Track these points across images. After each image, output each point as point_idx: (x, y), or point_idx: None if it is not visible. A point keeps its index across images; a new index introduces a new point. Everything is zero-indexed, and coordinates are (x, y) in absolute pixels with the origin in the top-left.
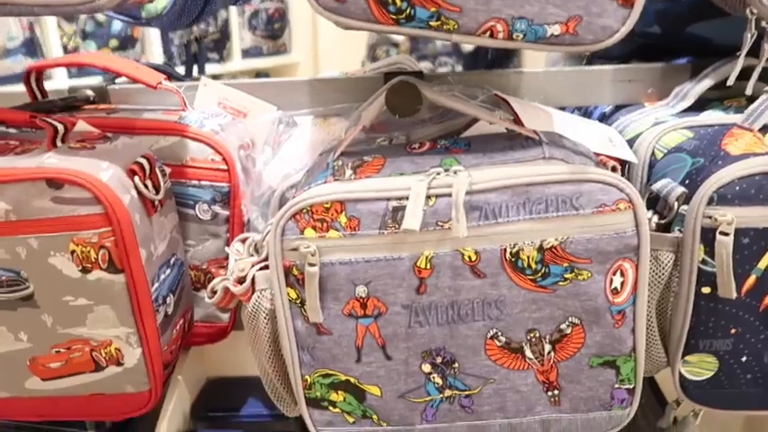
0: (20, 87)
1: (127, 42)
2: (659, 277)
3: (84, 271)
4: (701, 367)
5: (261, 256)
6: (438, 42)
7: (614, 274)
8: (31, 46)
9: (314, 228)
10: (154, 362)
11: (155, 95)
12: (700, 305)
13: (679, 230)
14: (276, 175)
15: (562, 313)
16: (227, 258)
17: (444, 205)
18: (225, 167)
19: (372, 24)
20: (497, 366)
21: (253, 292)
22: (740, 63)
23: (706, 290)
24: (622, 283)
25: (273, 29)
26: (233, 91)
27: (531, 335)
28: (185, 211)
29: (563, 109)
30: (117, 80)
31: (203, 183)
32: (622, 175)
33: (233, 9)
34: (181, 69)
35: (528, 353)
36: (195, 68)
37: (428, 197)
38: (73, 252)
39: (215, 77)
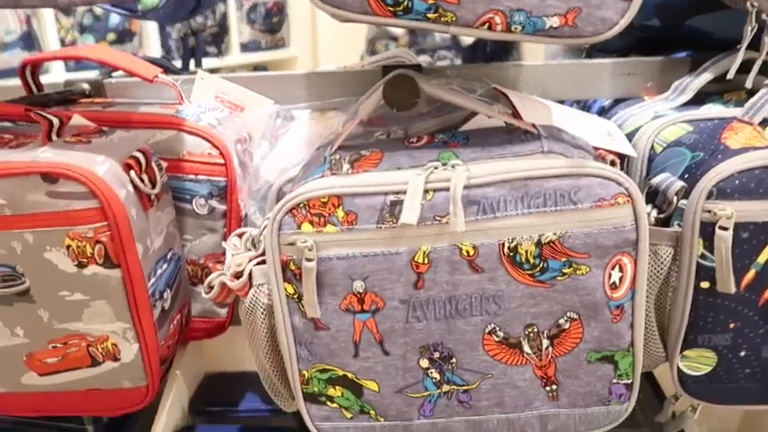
0: (17, 81)
1: (125, 36)
2: (658, 272)
3: (80, 266)
4: (700, 362)
5: (258, 250)
6: (437, 36)
7: (613, 268)
8: (29, 39)
9: (311, 222)
10: (151, 357)
11: (151, 89)
12: (698, 300)
13: (678, 225)
14: (273, 170)
15: (560, 308)
16: (224, 253)
17: (442, 199)
18: (222, 162)
19: (370, 17)
20: (495, 361)
21: (250, 288)
22: (740, 56)
23: (705, 284)
24: (621, 278)
25: (272, 23)
26: (230, 85)
27: (530, 330)
28: (182, 205)
29: (562, 102)
30: (113, 74)
31: (200, 177)
32: (621, 170)
33: (231, 2)
34: (179, 63)
35: (526, 348)
36: (192, 62)
37: (426, 191)
38: (68, 247)
39: (213, 71)
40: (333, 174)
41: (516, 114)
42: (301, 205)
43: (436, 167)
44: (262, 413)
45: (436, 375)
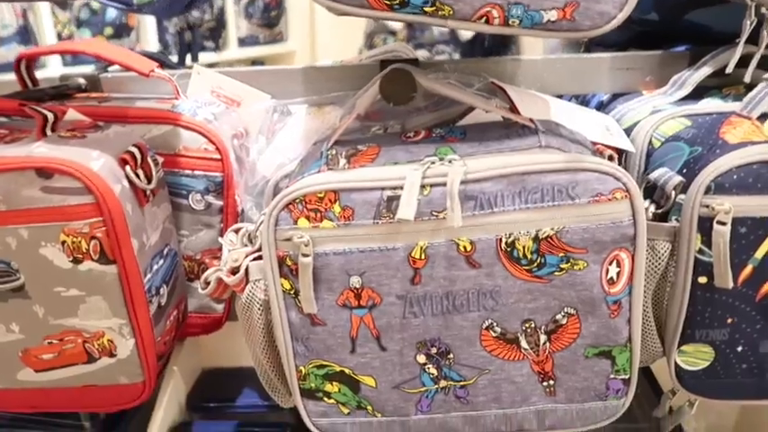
0: (13, 76)
1: (122, 30)
2: (656, 267)
3: (76, 261)
4: (697, 357)
5: (254, 246)
6: (435, 30)
7: (610, 263)
8: (25, 34)
9: (307, 218)
10: (147, 353)
11: (147, 84)
12: (696, 295)
13: (676, 220)
14: (270, 165)
15: (558, 303)
16: (220, 249)
17: (439, 195)
18: (218, 157)
19: (366, 10)
20: (492, 357)
21: (246, 283)
22: (739, 50)
23: (702, 279)
24: (618, 273)
25: (270, 17)
26: (226, 79)
27: (527, 325)
28: (178, 200)
29: (560, 97)
30: (110, 68)
31: (196, 172)
32: (619, 164)
33: None
34: (176, 58)
35: (523, 343)
36: (189, 57)
37: (423, 186)
38: (64, 242)
39: (211, 66)
40: (329, 169)
41: (514, 109)
42: (298, 201)
43: (433, 162)
44: (259, 409)
45: (433, 371)
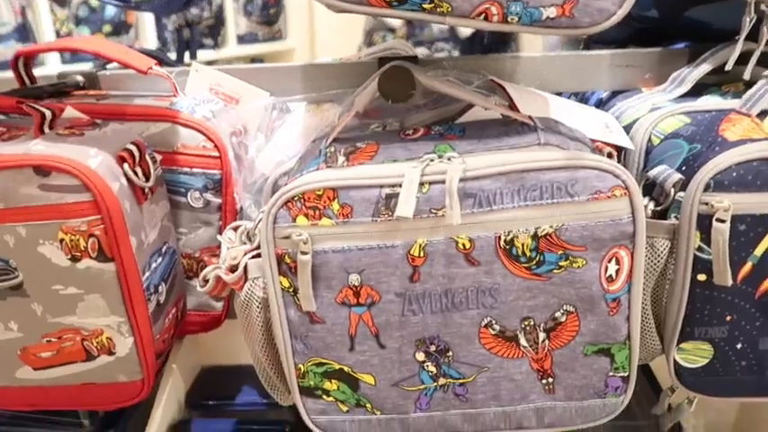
0: (11, 73)
1: (121, 28)
2: (655, 265)
3: (74, 259)
4: (696, 354)
5: (253, 244)
6: (435, 27)
7: (609, 261)
8: (24, 32)
9: (306, 215)
10: (146, 351)
11: (146, 81)
12: (695, 292)
13: (675, 217)
14: (269, 162)
15: (557, 301)
16: (219, 247)
17: (438, 192)
18: (217, 154)
19: (365, 7)
20: (491, 355)
21: (245, 281)
22: (739, 47)
23: (702, 277)
24: (617, 271)
25: (269, 14)
26: (225, 77)
27: (526, 323)
28: (177, 198)
29: (559, 94)
30: (108, 66)
31: (195, 170)
32: (619, 162)
33: None
34: (174, 55)
35: (522, 341)
36: (188, 54)
37: (421, 184)
38: (62, 240)
39: (210, 63)
40: (328, 166)
41: (513, 106)
42: (296, 198)
43: (432, 160)
44: (258, 407)
45: (432, 369)
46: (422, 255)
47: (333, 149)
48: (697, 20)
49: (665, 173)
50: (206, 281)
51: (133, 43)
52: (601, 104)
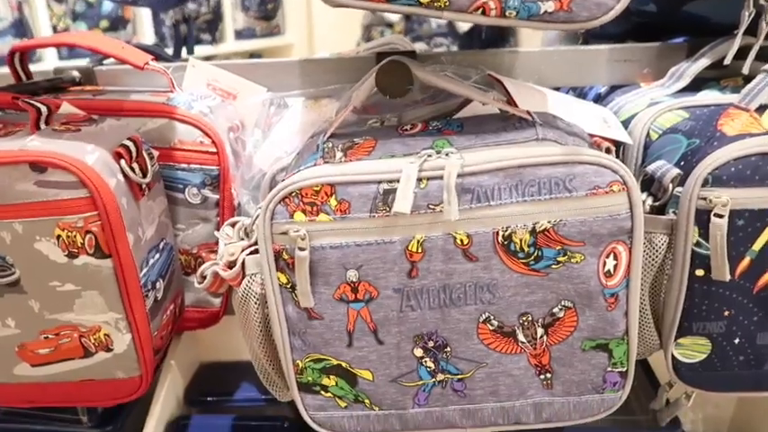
0: (7, 69)
1: (118, 23)
2: (653, 260)
3: (71, 256)
4: (694, 350)
5: (251, 240)
6: (433, 23)
7: (607, 256)
8: (20, 27)
9: (303, 211)
10: (144, 347)
11: (143, 77)
12: (693, 288)
13: (673, 213)
14: (267, 158)
15: (555, 297)
16: (217, 243)
17: (436, 188)
18: (214, 150)
19: (362, 2)
20: (490, 350)
21: (243, 277)
22: (737, 42)
23: (700, 272)
24: (615, 266)
25: (267, 10)
26: (222, 72)
27: (524, 318)
28: (174, 194)
29: (558, 89)
30: (105, 61)
31: (192, 166)
32: (617, 157)
33: None
34: (171, 51)
35: (520, 336)
36: (185, 50)
37: (419, 180)
38: (59, 237)
39: (207, 59)
40: (325, 162)
41: (511, 101)
42: (294, 194)
43: (430, 155)
44: (257, 403)
45: (431, 364)
46: (420, 250)
47: (330, 145)
48: (695, 14)
49: (664, 168)
50: (204, 277)
51: (130, 39)
52: (599, 99)
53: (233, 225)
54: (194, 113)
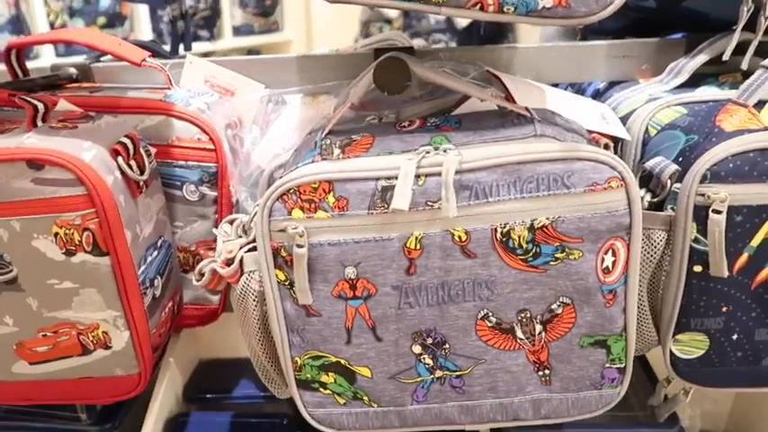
0: (3, 66)
1: (115, 20)
2: (651, 256)
3: (68, 254)
4: (692, 345)
5: (249, 237)
6: (431, 19)
7: (606, 253)
8: (18, 23)
9: (302, 208)
10: (142, 345)
11: (140, 74)
12: (691, 284)
13: (672, 209)
14: (265, 155)
15: (553, 293)
16: (215, 240)
17: (434, 185)
18: (212, 147)
19: None
20: (488, 347)
21: (241, 274)
22: (736, 38)
23: (698, 268)
24: (614, 263)
25: (264, 6)
26: (220, 69)
27: (522, 315)
28: (172, 191)
29: (556, 85)
30: (102, 58)
31: (190, 163)
32: (615, 153)
33: None
34: (169, 47)
35: (519, 333)
36: (182, 46)
37: (417, 176)
38: (56, 234)
39: (205, 55)
40: (323, 159)
41: (509, 98)
42: (292, 191)
43: (428, 152)
44: (256, 400)
45: (429, 361)
46: (418, 247)
47: (328, 142)
48: (694, 10)
49: (662, 164)
50: (202, 274)
51: (128, 35)
52: (598, 95)
53: (231, 222)
54: (192, 110)
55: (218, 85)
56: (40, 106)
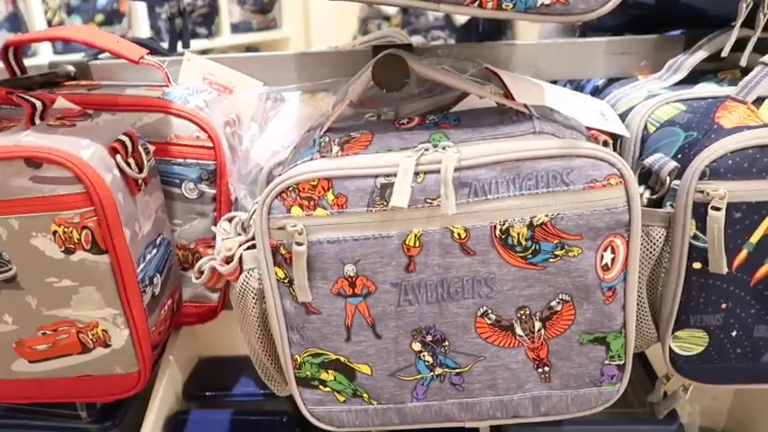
0: (1, 64)
1: (113, 17)
2: (650, 253)
3: (67, 252)
4: (692, 342)
5: (248, 235)
6: (430, 15)
7: (605, 250)
8: (15, 21)
9: (301, 206)
10: (142, 343)
11: (138, 71)
12: (691, 280)
13: (671, 206)
14: (263, 153)
15: (552, 290)
16: (214, 238)
17: (433, 182)
18: (210, 145)
19: None
20: (488, 344)
21: (240, 272)
22: (735, 34)
23: (697, 265)
24: (613, 260)
25: (263, 3)
26: (218, 66)
27: (522, 312)
28: (171, 189)
29: (555, 82)
30: (100, 55)
31: (189, 161)
32: (614, 150)
33: None
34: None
35: (518, 330)
36: (180, 44)
37: (416, 174)
38: (55, 232)
39: (204, 53)
40: (322, 156)
41: (508, 95)
42: (291, 189)
43: (427, 149)
44: (256, 397)
45: (429, 358)
46: (417, 245)
47: (327, 139)
48: (693, 6)
49: (661, 161)
50: (201, 272)
51: (126, 33)
52: (596, 92)
53: (230, 220)
54: (190, 108)
55: (216, 83)
56: (38, 104)
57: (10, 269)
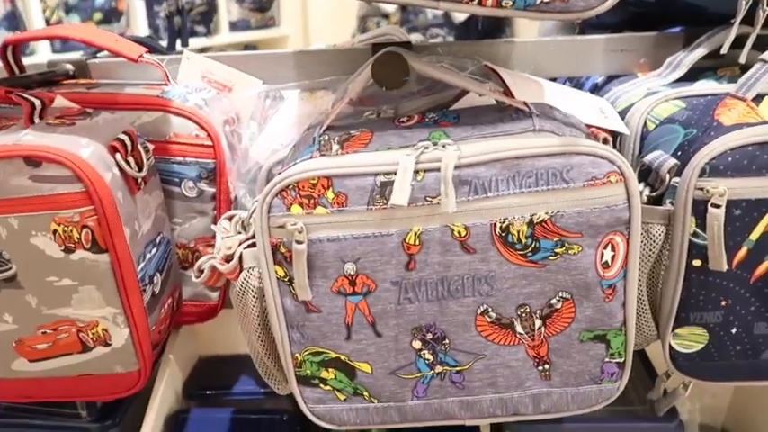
0: None
1: (111, 15)
2: (650, 251)
3: (67, 251)
4: (691, 339)
5: (248, 233)
6: (429, 13)
7: (605, 248)
8: (13, 20)
9: (301, 204)
10: (142, 342)
11: (137, 70)
12: (690, 278)
13: (671, 203)
14: (263, 151)
15: (552, 288)
16: (214, 236)
17: (433, 180)
18: (210, 143)
19: None
20: (488, 342)
21: (240, 271)
22: (734, 31)
23: (697, 262)
24: (613, 257)
25: (261, 1)
26: (217, 64)
27: (522, 310)
28: (171, 188)
29: (554, 80)
30: (99, 54)
31: (188, 159)
32: (614, 147)
33: None
34: (166, 43)
35: (518, 328)
36: (179, 42)
37: (416, 172)
38: (55, 231)
39: (202, 51)
40: (322, 155)
41: (508, 92)
42: (290, 187)
43: (427, 147)
44: (256, 396)
45: (429, 356)
46: (417, 243)
47: (327, 137)
48: (692, 3)
49: (661, 158)
50: (201, 271)
51: (124, 31)
52: (596, 89)
53: (230, 219)
54: (189, 106)
55: (215, 81)
56: (37, 103)
57: (10, 268)
